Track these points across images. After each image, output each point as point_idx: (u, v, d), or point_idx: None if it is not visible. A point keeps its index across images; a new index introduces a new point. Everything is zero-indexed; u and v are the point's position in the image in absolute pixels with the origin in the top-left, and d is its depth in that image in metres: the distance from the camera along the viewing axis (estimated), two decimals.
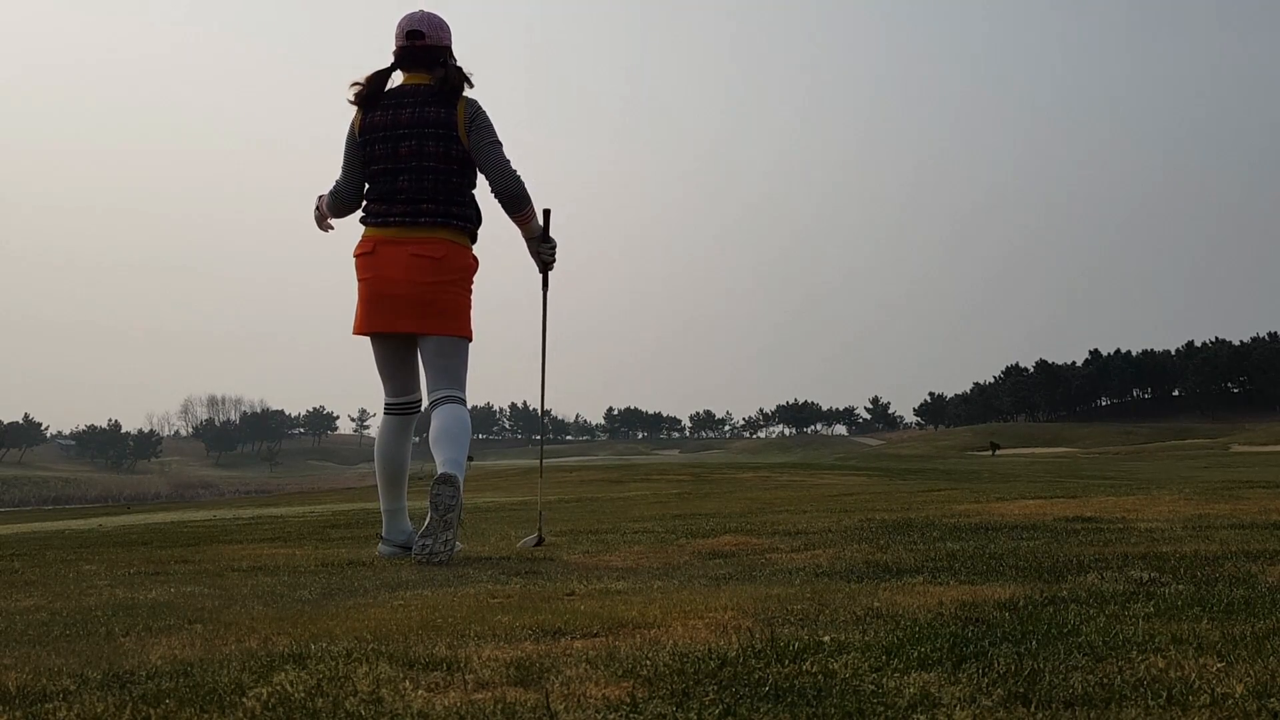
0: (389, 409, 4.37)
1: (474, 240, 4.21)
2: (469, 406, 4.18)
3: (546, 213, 4.38)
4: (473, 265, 4.18)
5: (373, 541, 4.86)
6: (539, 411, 4.81)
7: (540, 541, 4.39)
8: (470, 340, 4.17)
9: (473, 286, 4.20)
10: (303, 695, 1.62)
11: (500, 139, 4.12)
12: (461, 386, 4.14)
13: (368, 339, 4.25)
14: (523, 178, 4.14)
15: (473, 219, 4.15)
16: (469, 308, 4.17)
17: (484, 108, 4.14)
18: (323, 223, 4.48)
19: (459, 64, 4.17)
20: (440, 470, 3.82)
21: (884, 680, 1.63)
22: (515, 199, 4.12)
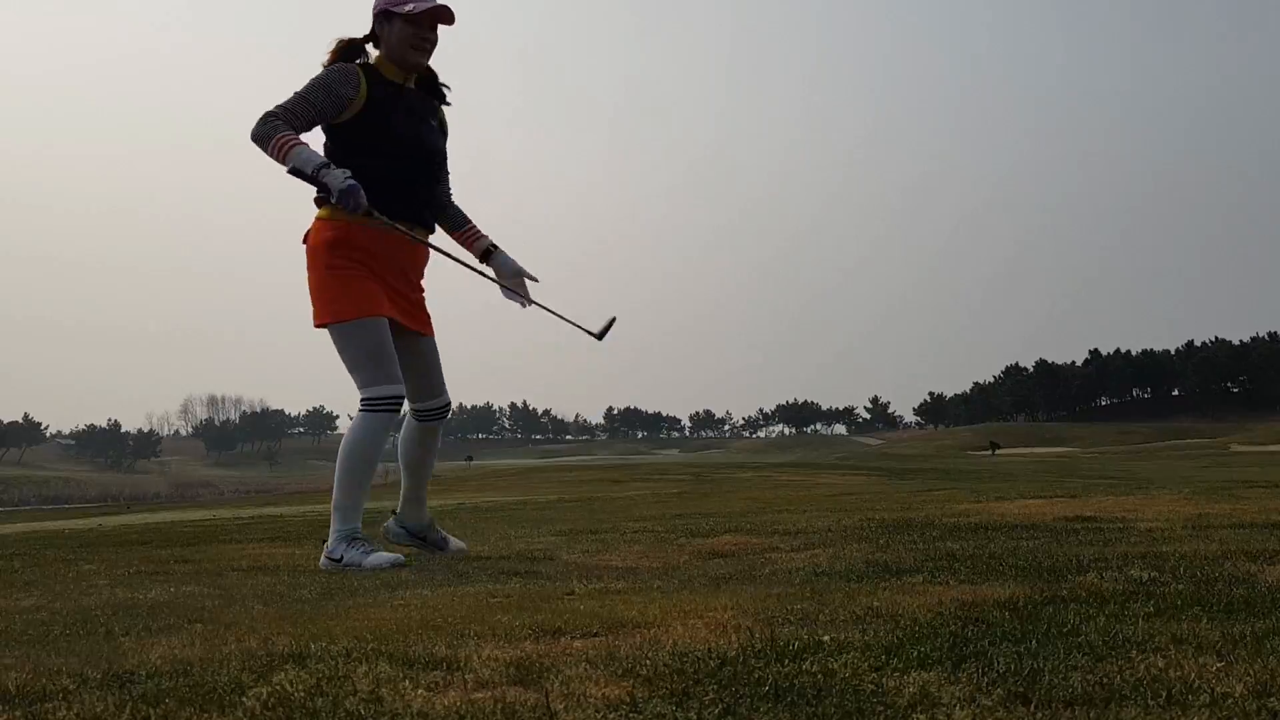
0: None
1: (337, 211, 3.64)
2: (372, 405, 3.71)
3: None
4: (319, 243, 3.71)
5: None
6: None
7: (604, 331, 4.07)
8: (332, 324, 3.69)
9: (328, 262, 3.70)
10: (302, 695, 1.62)
11: (304, 92, 3.64)
12: (359, 385, 3.72)
13: None
14: (267, 118, 3.57)
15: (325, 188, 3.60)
16: (322, 289, 3.72)
17: (330, 68, 3.73)
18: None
19: (374, 31, 3.80)
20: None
21: (884, 680, 1.63)
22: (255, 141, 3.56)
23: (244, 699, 1.60)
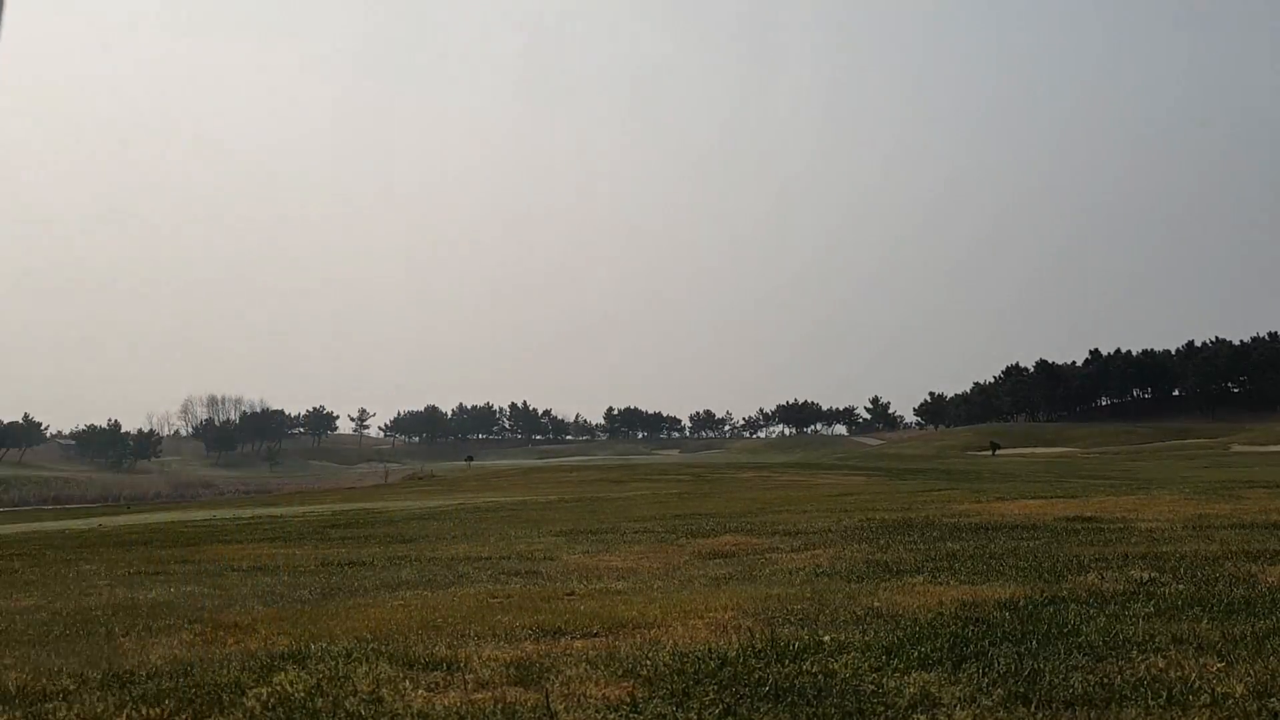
0: None
1: None
2: None
3: None
4: None
5: (373, 541, 4.87)
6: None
7: None
8: None
9: None
10: (303, 695, 1.62)
11: None
12: None
13: None
14: None
15: None
16: None
17: None
18: None
19: None
20: None
21: (884, 680, 1.63)
22: None
23: (244, 699, 1.61)
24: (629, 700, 1.56)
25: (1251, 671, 1.60)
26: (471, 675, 1.76)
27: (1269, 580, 2.58)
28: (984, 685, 1.57)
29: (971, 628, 2.05)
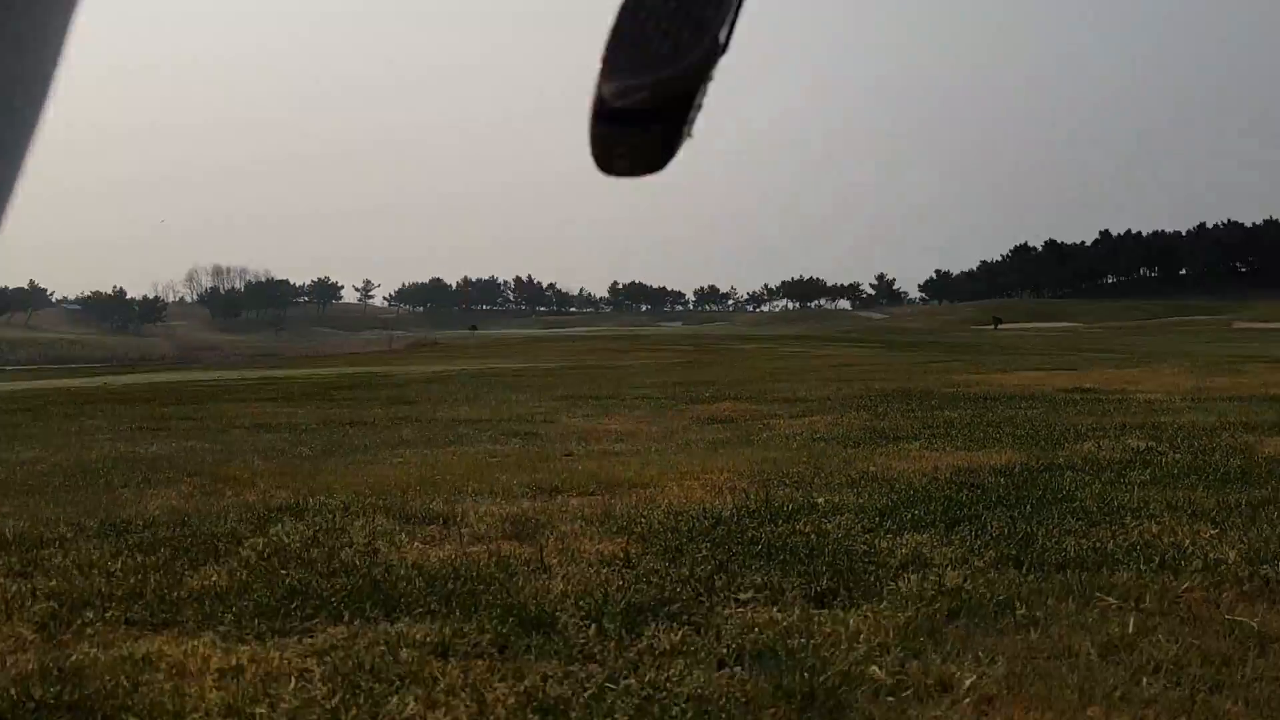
0: None
1: None
2: None
3: None
4: None
5: (375, 403, 4.90)
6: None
7: None
8: None
9: None
10: (298, 546, 1.64)
11: None
12: None
13: None
14: None
15: None
16: None
17: None
18: None
19: None
20: None
21: (876, 541, 1.64)
22: None
23: (240, 549, 1.62)
24: (622, 555, 1.57)
25: (1245, 539, 1.61)
26: (467, 529, 1.78)
27: (1266, 451, 2.59)
28: (976, 548, 1.58)
29: (966, 492, 2.06)
